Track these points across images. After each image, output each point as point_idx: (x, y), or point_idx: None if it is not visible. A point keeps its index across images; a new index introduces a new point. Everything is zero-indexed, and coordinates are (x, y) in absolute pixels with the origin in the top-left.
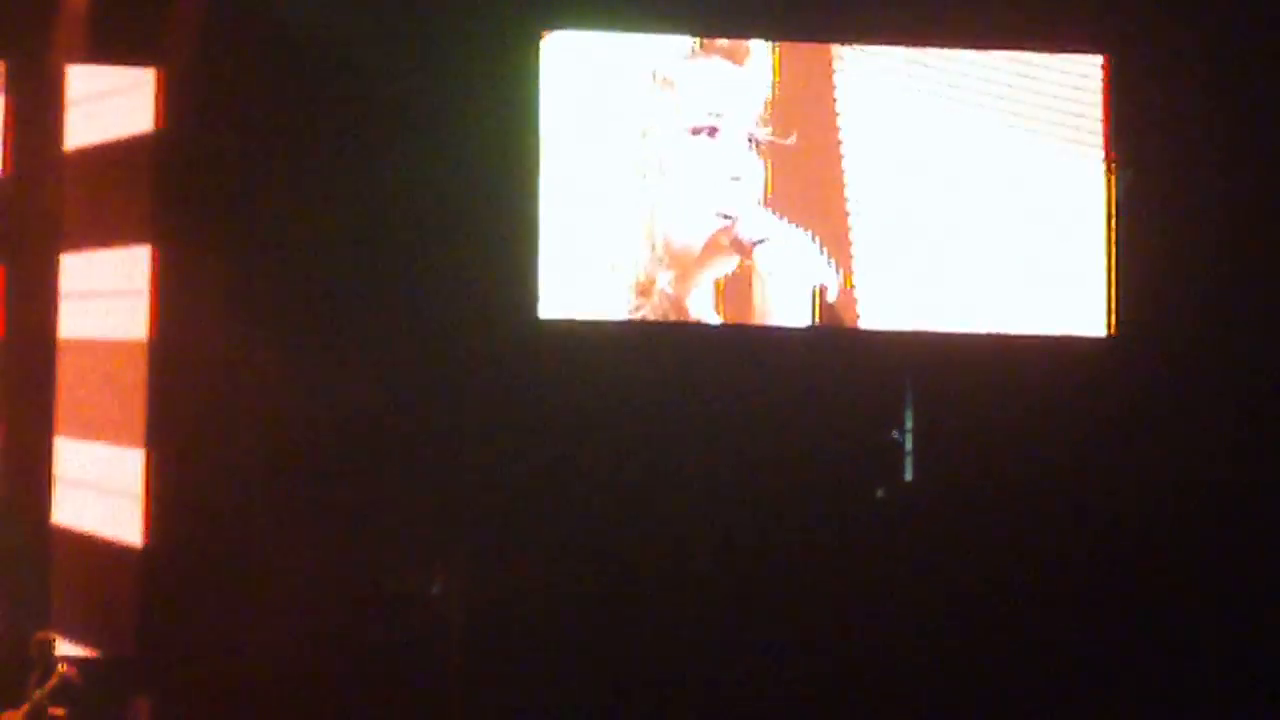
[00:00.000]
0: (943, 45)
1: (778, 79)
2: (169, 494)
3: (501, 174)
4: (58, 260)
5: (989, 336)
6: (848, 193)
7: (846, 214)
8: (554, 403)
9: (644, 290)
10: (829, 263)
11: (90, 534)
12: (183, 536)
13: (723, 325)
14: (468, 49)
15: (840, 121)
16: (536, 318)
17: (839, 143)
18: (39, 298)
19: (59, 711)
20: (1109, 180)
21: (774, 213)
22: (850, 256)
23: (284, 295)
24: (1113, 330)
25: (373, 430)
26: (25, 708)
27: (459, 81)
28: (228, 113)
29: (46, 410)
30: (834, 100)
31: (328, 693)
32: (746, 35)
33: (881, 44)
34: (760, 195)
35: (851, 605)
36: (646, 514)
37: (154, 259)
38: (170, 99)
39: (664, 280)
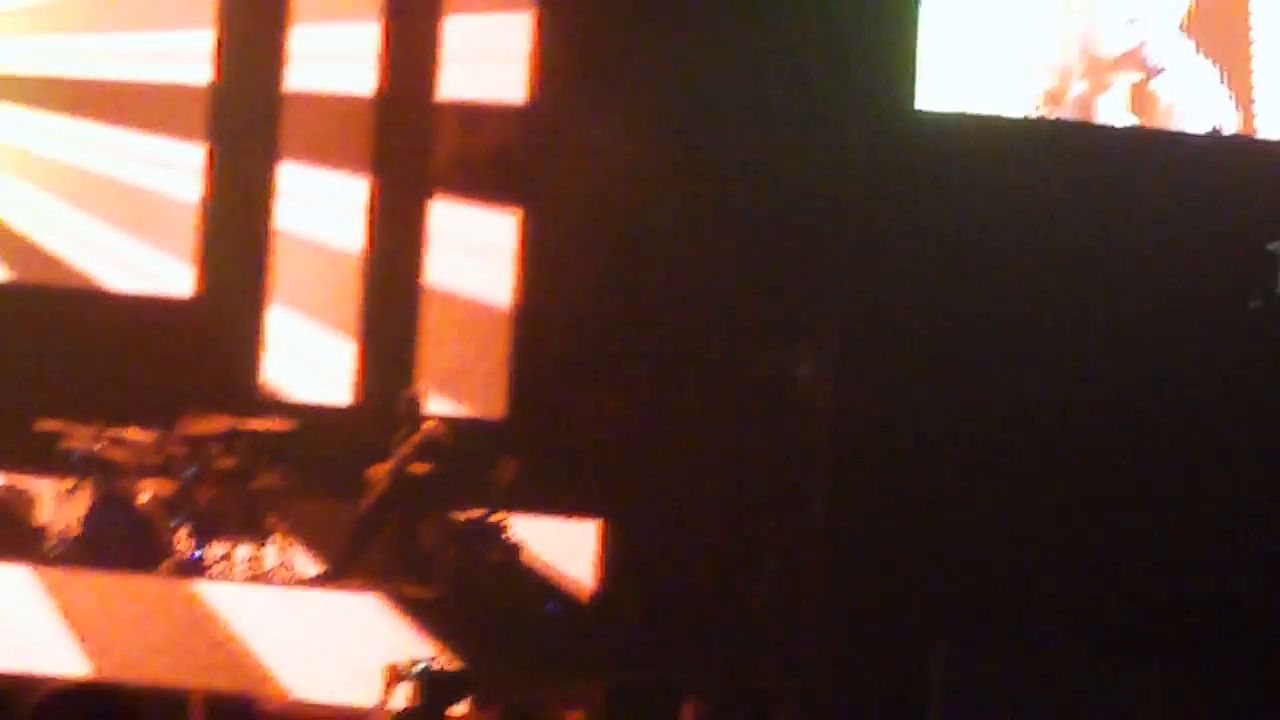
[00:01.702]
0: None
1: None
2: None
3: None
4: None
5: None
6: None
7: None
8: (929, 196)
9: (1054, 98)
10: (1231, 101)
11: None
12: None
13: (1108, 128)
14: None
15: None
16: (913, 109)
17: None
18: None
19: (425, 467)
20: None
21: (1190, 40)
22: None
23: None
24: None
25: None
26: (392, 462)
27: None
28: None
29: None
30: None
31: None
32: None
33: None
34: (1180, 19)
35: (1222, 417)
36: (1015, 312)
37: None
38: None
39: (1078, 89)
